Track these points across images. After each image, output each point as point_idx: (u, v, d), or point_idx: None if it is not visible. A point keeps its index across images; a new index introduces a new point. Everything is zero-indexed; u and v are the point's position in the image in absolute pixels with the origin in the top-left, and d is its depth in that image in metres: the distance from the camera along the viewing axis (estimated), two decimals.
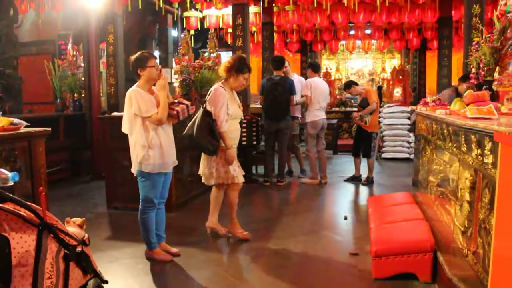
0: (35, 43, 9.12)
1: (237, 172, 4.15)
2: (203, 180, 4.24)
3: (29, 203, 1.80)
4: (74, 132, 7.56)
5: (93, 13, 7.38)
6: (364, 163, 6.86)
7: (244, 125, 6.59)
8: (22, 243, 1.73)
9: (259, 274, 3.49)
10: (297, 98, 6.82)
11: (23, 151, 3.36)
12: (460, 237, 2.93)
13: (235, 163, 4.17)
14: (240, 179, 4.18)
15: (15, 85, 7.31)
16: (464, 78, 6.12)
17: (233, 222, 4.32)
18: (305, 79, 7.09)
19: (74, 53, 7.95)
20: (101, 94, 8.36)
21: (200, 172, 4.23)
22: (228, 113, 4.05)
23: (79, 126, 7.66)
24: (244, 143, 6.66)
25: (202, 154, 4.14)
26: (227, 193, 4.28)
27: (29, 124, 3.51)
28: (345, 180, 6.95)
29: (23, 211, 1.76)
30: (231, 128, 4.12)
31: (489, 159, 2.40)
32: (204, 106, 4.03)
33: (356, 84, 7.10)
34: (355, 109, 8.67)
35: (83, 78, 7.73)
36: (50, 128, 3.70)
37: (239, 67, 4.13)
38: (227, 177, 4.12)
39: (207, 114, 3.95)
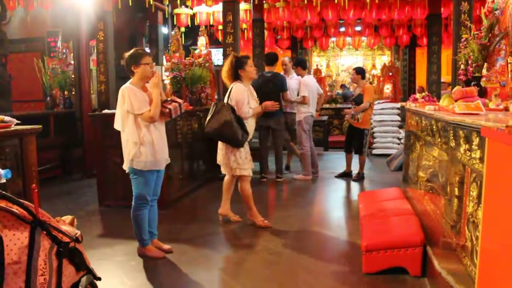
0: (24, 40, 9.02)
1: (246, 165, 4.38)
2: (222, 169, 4.55)
3: (21, 200, 1.80)
4: (65, 130, 7.53)
5: (83, 10, 7.33)
6: (355, 159, 6.90)
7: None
8: (15, 240, 1.73)
9: (250, 270, 3.51)
10: (292, 96, 6.82)
11: (14, 149, 3.34)
12: (449, 231, 2.97)
13: (247, 156, 4.40)
14: (248, 172, 4.42)
15: (4, 83, 7.24)
16: None
17: (251, 211, 4.51)
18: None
19: (64, 50, 7.90)
20: (92, 92, 8.31)
21: (218, 161, 4.49)
22: (250, 108, 4.33)
23: (69, 124, 7.62)
24: None
25: (221, 144, 4.38)
26: (240, 185, 4.49)
27: (19, 122, 3.50)
28: (336, 176, 6.99)
29: (15, 208, 1.76)
30: (250, 122, 4.38)
31: (476, 154, 2.44)
32: (226, 102, 4.32)
33: (364, 76, 6.93)
34: (345, 105, 8.67)
35: (73, 76, 7.69)
36: (40, 126, 3.69)
37: (238, 62, 4.38)
38: (237, 169, 4.38)
39: (233, 109, 4.23)
